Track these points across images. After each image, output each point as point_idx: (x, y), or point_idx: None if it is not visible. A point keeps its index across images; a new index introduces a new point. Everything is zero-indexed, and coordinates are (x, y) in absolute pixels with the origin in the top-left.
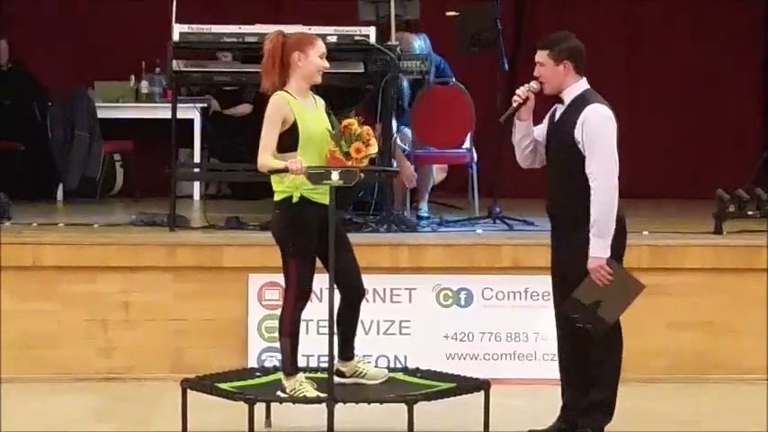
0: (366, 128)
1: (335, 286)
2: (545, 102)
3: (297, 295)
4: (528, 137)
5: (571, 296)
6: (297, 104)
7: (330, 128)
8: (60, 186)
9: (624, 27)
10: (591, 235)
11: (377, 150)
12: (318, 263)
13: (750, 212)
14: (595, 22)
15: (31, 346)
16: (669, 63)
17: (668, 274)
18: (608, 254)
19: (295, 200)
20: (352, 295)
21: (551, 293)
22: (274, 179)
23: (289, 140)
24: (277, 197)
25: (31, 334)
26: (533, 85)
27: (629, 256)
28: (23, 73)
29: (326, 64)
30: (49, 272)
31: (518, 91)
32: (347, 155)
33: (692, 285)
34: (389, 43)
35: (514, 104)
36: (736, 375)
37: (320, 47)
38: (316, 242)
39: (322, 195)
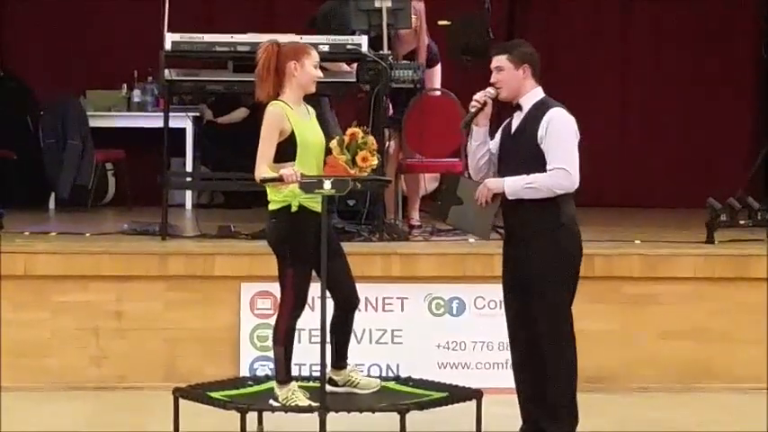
0: (371, 137)
1: (329, 294)
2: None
3: (293, 304)
4: (485, 144)
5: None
6: (293, 114)
7: (323, 137)
8: (52, 195)
9: (616, 35)
10: (519, 177)
11: (377, 162)
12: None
13: (742, 221)
14: (587, 31)
15: (23, 354)
16: (661, 71)
17: (660, 284)
18: (500, 191)
19: (293, 209)
20: (345, 304)
21: (504, 305)
22: (271, 188)
23: (286, 151)
24: (273, 206)
25: (23, 343)
26: (491, 90)
27: (620, 265)
28: (15, 82)
29: (320, 74)
30: (41, 281)
31: (476, 96)
32: (353, 162)
33: (683, 294)
34: (382, 52)
35: (472, 110)
36: (727, 384)
37: (315, 56)
38: (312, 251)
39: (317, 204)
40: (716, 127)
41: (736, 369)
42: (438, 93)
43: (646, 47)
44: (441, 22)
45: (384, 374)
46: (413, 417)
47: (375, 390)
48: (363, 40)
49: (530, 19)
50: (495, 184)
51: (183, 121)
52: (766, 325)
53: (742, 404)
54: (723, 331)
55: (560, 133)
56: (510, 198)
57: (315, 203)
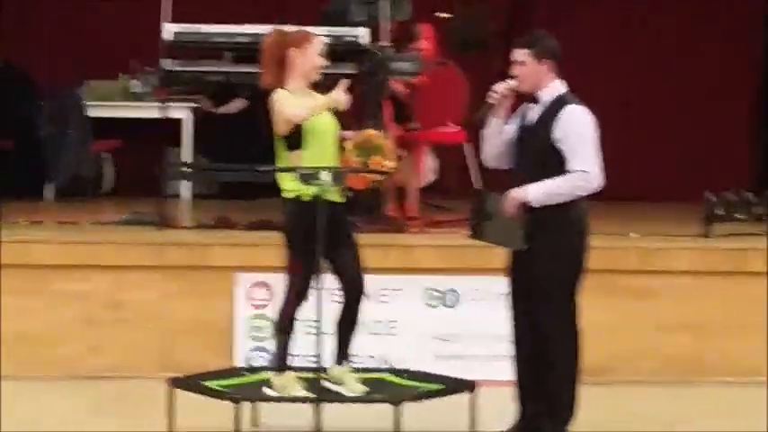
0: (386, 141)
1: (338, 283)
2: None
3: (298, 292)
4: (500, 135)
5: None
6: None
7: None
8: (50, 185)
9: (616, 30)
10: (541, 184)
11: (394, 166)
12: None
13: (738, 216)
14: (588, 23)
15: (20, 343)
16: (659, 66)
17: (656, 277)
18: (527, 200)
19: (307, 199)
20: (350, 292)
21: (509, 301)
22: (284, 177)
23: (294, 138)
24: (287, 195)
25: (19, 332)
26: (512, 83)
27: (616, 258)
28: (15, 71)
29: (324, 62)
30: (38, 270)
31: (496, 88)
32: (365, 165)
33: (680, 288)
34: (381, 44)
35: (492, 102)
36: (723, 377)
37: (317, 44)
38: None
39: (332, 194)
40: (713, 121)
41: (732, 362)
42: (440, 64)
43: (646, 42)
44: (441, 15)
45: (379, 366)
46: (408, 408)
47: (361, 393)
48: (362, 32)
49: (531, 13)
50: (519, 193)
51: (181, 111)
52: (765, 318)
53: (738, 398)
54: (719, 325)
55: (578, 134)
56: (535, 206)
57: (327, 193)
